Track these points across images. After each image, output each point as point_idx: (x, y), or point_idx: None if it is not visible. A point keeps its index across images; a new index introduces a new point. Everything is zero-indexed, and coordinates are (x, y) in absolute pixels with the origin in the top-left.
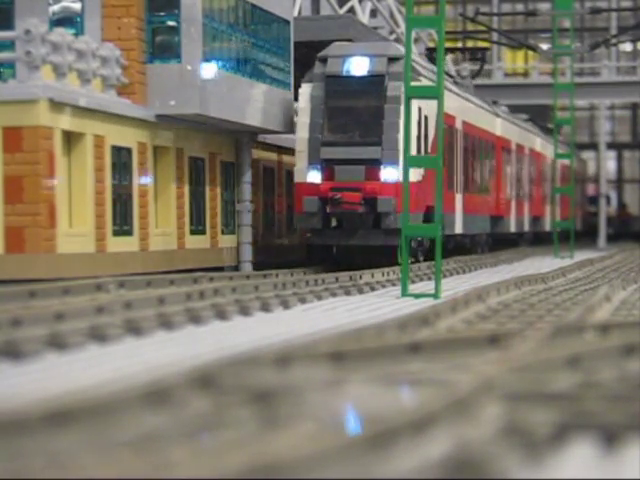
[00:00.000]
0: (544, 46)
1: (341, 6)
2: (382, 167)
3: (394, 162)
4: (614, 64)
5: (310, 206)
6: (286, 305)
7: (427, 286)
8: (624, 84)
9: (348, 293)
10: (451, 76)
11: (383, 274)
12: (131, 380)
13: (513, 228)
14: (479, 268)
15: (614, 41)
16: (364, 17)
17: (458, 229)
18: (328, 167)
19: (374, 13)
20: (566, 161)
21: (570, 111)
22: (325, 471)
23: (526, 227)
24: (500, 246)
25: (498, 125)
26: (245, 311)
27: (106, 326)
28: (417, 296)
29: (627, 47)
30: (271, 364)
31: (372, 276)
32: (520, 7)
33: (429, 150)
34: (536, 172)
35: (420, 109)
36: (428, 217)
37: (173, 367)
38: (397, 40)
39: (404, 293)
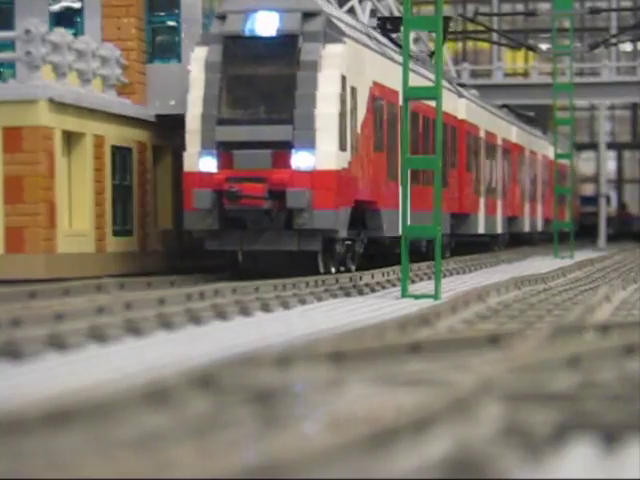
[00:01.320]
0: (544, 46)
1: (341, 6)
2: (294, 151)
3: (309, 145)
4: (614, 64)
5: (202, 201)
6: (286, 306)
7: (427, 286)
8: (624, 84)
9: (348, 294)
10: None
11: (383, 274)
12: (131, 380)
13: (482, 229)
14: (479, 268)
15: (614, 41)
16: (364, 17)
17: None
18: (225, 152)
19: (374, 13)
20: (549, 154)
21: (570, 111)
22: (325, 471)
23: (499, 228)
24: (466, 250)
25: (462, 107)
26: (245, 312)
27: (106, 326)
28: (417, 297)
29: (627, 47)
30: (271, 364)
31: (372, 277)
32: (520, 7)
33: (359, 133)
34: (512, 166)
35: (344, 78)
36: (359, 215)
37: (173, 367)
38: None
39: (404, 294)
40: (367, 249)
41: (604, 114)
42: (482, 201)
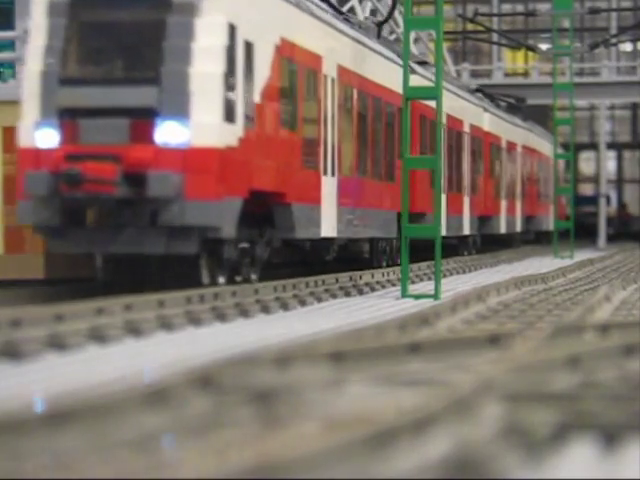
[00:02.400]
0: (544, 46)
1: (341, 6)
2: (159, 121)
3: (181, 113)
4: (614, 64)
5: (35, 187)
6: (286, 307)
7: (427, 286)
8: (624, 84)
9: (348, 294)
10: (341, 12)
11: (383, 274)
12: (131, 381)
13: (444, 230)
14: (479, 268)
15: (614, 41)
16: (364, 17)
17: (329, 230)
18: (70, 121)
19: (374, 13)
20: (531, 145)
21: (570, 111)
22: (325, 471)
23: (467, 229)
24: (424, 256)
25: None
26: (245, 313)
27: (106, 327)
28: (417, 297)
29: (627, 47)
30: (271, 364)
31: (372, 276)
32: (520, 7)
33: (257, 103)
34: (483, 157)
35: (233, 28)
36: (263, 211)
37: (173, 368)
38: (397, 40)
39: (404, 294)
40: (284, 254)
41: (604, 114)
42: (444, 198)
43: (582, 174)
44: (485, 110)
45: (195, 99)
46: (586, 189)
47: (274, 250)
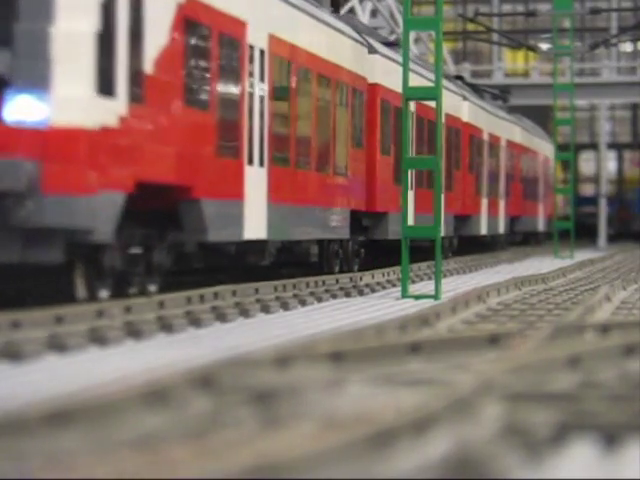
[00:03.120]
0: (544, 46)
1: (341, 6)
2: (10, 94)
3: (39, 84)
4: (614, 64)
5: None
6: (286, 307)
7: (427, 286)
8: (624, 84)
9: (348, 295)
10: None
11: (383, 275)
12: (131, 381)
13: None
14: (479, 268)
15: (614, 41)
16: (364, 17)
17: (256, 231)
18: None
19: (374, 13)
20: (516, 139)
21: (570, 111)
22: (325, 471)
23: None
24: (386, 261)
25: (373, 64)
26: (245, 313)
27: (106, 328)
28: (417, 297)
29: (627, 47)
30: (271, 364)
31: (372, 277)
32: (520, 7)
33: (148, 73)
34: (461, 151)
35: None
36: (164, 208)
37: (173, 368)
38: (397, 40)
39: (404, 294)
40: (203, 259)
41: (604, 114)
42: (411, 195)
43: (582, 174)
44: (465, 99)
45: (58, 66)
46: (586, 189)
47: (186, 255)
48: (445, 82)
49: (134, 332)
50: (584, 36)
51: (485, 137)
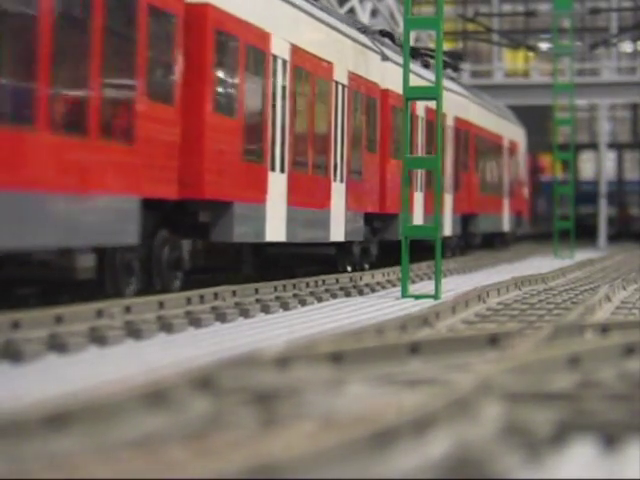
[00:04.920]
0: (544, 46)
1: (341, 6)
2: None
3: None
4: (614, 64)
5: None
6: (286, 307)
7: (427, 286)
8: (624, 84)
9: (348, 294)
10: None
11: (383, 274)
12: (131, 381)
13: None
14: (479, 268)
15: (614, 41)
16: (364, 17)
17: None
18: None
19: (374, 13)
20: (471, 118)
21: (570, 111)
22: (325, 471)
23: (339, 233)
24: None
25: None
26: (245, 313)
27: (106, 328)
28: (417, 297)
29: (627, 47)
30: (271, 364)
31: (372, 277)
32: (520, 7)
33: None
34: (382, 127)
35: None
36: None
37: (173, 368)
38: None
39: (404, 294)
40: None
41: (604, 114)
42: (282, 180)
43: (582, 174)
44: (385, 59)
45: None
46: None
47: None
48: (349, 30)
49: (134, 332)
50: (584, 36)
51: (420, 112)
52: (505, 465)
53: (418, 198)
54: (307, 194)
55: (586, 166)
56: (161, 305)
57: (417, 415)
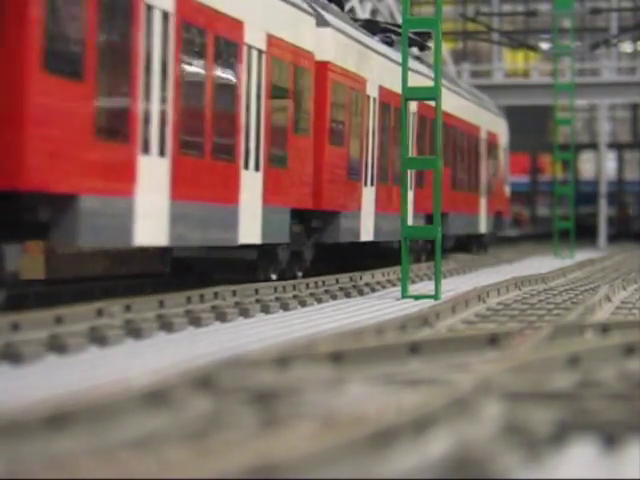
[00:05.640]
0: (544, 46)
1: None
2: None
3: None
4: (614, 64)
5: None
6: (286, 307)
7: (427, 286)
8: (624, 84)
9: (348, 295)
10: None
11: (383, 274)
12: (131, 381)
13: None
14: (479, 268)
15: (614, 41)
16: (364, 17)
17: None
18: None
19: (374, 13)
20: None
21: (570, 111)
22: (325, 471)
23: (253, 234)
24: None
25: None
26: (245, 314)
27: (106, 328)
28: (417, 297)
29: (627, 47)
30: (271, 364)
31: (372, 277)
32: (520, 7)
33: None
34: (318, 108)
35: None
36: None
37: (173, 368)
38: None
39: (404, 294)
40: None
41: (604, 114)
42: (164, 175)
43: (582, 174)
44: (324, 24)
45: None
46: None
47: None
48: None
49: (134, 331)
50: (584, 36)
51: (370, 91)
52: (505, 465)
53: (368, 194)
54: (203, 184)
55: (586, 166)
56: (161, 304)
57: (417, 415)
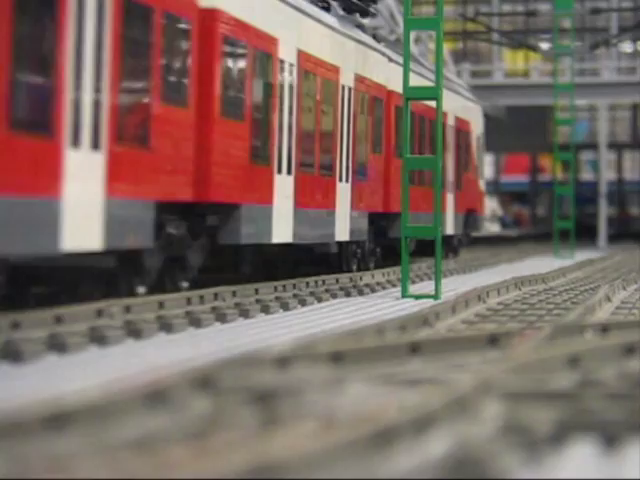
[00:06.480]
0: (544, 46)
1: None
2: None
3: None
4: (614, 64)
5: None
6: (286, 307)
7: (427, 286)
8: (624, 84)
9: (348, 294)
10: None
11: (383, 274)
12: (131, 381)
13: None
14: (479, 268)
15: (614, 41)
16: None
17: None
18: None
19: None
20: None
21: (570, 111)
22: (325, 471)
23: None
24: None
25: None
26: (245, 314)
27: (106, 328)
28: (417, 297)
29: (627, 47)
30: (271, 364)
31: (372, 277)
32: (520, 7)
33: None
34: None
35: None
36: None
37: (173, 369)
38: (397, 40)
39: (404, 294)
40: None
41: (604, 114)
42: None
43: (582, 174)
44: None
45: None
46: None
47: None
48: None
49: (134, 332)
50: (584, 36)
51: (286, 54)
52: (505, 465)
53: (283, 184)
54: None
55: (586, 166)
56: (161, 305)
57: (417, 415)
